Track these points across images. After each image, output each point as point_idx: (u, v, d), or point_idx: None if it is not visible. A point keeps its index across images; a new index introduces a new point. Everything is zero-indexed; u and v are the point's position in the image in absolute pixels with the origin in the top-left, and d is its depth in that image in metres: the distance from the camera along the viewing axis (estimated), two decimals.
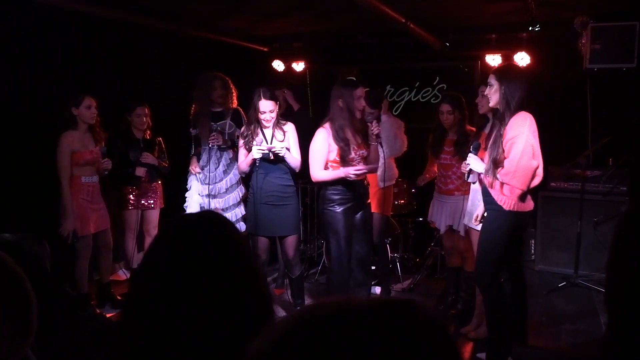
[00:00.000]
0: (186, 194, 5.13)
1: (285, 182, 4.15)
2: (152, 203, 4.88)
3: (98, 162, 4.37)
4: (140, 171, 4.70)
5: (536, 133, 3.20)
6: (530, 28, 5.30)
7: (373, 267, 4.81)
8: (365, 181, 4.10)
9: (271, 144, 4.10)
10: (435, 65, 6.51)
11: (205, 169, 4.93)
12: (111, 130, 4.67)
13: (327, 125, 3.88)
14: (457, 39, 5.89)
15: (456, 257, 4.51)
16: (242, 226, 5.07)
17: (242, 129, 4.28)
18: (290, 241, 4.19)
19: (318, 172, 3.86)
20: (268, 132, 4.11)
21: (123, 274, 5.35)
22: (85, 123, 4.27)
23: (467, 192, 4.06)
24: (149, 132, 4.83)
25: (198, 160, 5.00)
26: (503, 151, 3.17)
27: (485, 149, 3.51)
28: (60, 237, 4.15)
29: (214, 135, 4.81)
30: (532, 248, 5.74)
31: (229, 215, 4.99)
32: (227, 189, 4.96)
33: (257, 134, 4.11)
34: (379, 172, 4.46)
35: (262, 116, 4.02)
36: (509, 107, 3.17)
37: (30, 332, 1.16)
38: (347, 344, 0.61)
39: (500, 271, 3.41)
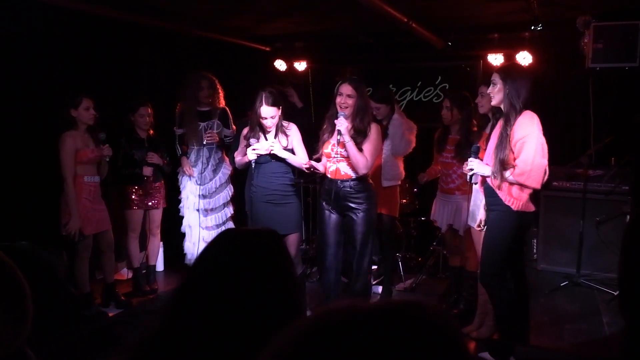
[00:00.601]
0: (180, 196, 5.12)
1: (286, 181, 4.14)
2: (156, 203, 4.90)
3: (103, 160, 4.39)
4: (147, 170, 4.73)
5: (541, 131, 3.19)
6: (532, 27, 5.28)
7: (374, 267, 4.82)
8: (352, 184, 3.81)
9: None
10: (437, 65, 6.50)
11: (195, 168, 4.95)
12: (114, 130, 4.68)
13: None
14: (459, 39, 5.89)
15: (458, 256, 4.51)
16: (230, 225, 5.09)
17: (244, 131, 4.26)
18: (292, 240, 4.18)
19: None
20: (270, 136, 4.09)
21: (125, 273, 5.37)
22: (84, 124, 4.29)
23: (467, 192, 4.05)
24: (152, 131, 4.84)
25: (187, 156, 5.02)
26: (511, 152, 3.14)
27: (485, 149, 3.50)
28: (63, 236, 4.17)
29: (210, 133, 4.82)
30: (535, 247, 5.74)
31: (219, 214, 5.01)
32: (216, 189, 4.99)
33: (259, 138, 4.08)
34: (383, 171, 4.48)
35: (263, 121, 3.98)
36: (514, 107, 3.15)
37: (26, 322, 1.17)
38: (360, 352, 0.61)
39: (505, 270, 3.39)
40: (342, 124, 3.65)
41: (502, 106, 3.24)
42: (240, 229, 1.34)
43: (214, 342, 1.11)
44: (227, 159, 5.07)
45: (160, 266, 5.52)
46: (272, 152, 3.96)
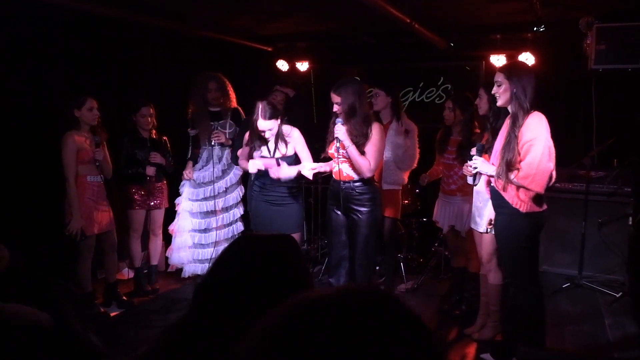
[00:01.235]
0: (176, 200, 5.12)
1: (288, 183, 4.13)
2: (159, 203, 4.90)
3: (105, 158, 4.40)
4: (150, 170, 4.73)
5: (549, 133, 3.12)
6: (535, 28, 5.28)
7: (377, 268, 4.81)
8: (355, 186, 3.80)
9: (273, 156, 4.07)
10: (439, 65, 6.49)
11: (205, 168, 4.94)
12: (117, 129, 4.68)
13: None
14: (461, 39, 5.88)
15: (461, 257, 4.51)
16: (239, 226, 5.08)
17: (246, 135, 4.23)
18: None
19: None
20: (271, 144, 4.07)
21: (127, 273, 5.37)
22: (87, 124, 4.29)
23: (469, 193, 4.03)
24: (154, 131, 4.84)
25: (194, 164, 5.01)
26: (518, 153, 3.07)
27: (486, 151, 3.48)
28: (66, 236, 4.17)
29: (216, 132, 4.82)
30: None
31: (229, 214, 5.00)
32: (227, 189, 4.97)
33: (260, 149, 4.07)
34: (383, 174, 4.48)
35: (261, 133, 3.97)
36: (522, 107, 3.08)
37: None
38: (319, 339, 0.64)
39: (532, 275, 3.30)
40: (339, 130, 3.63)
41: (509, 107, 3.17)
42: (256, 234, 1.35)
43: (227, 345, 1.12)
44: None
45: (161, 266, 5.52)
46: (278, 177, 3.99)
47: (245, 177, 4.92)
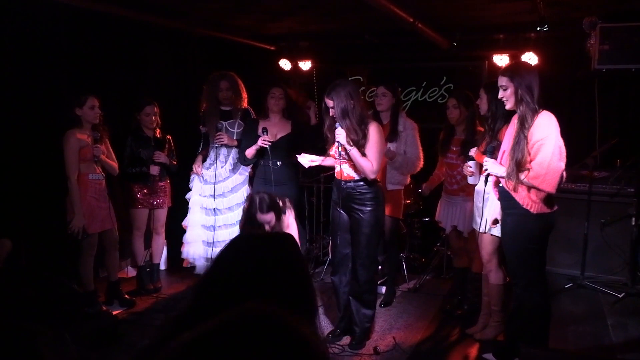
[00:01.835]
0: (187, 195, 5.12)
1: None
2: (162, 202, 4.90)
3: (110, 155, 4.41)
4: (154, 169, 4.74)
5: (559, 133, 3.10)
6: (538, 28, 5.26)
7: (379, 267, 4.81)
8: (356, 185, 3.77)
9: None
10: (442, 65, 6.49)
11: (212, 167, 4.94)
12: (121, 128, 4.68)
13: None
14: (464, 39, 5.88)
15: (463, 257, 4.50)
16: None
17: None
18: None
19: None
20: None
21: (129, 272, 5.38)
22: (89, 122, 4.29)
23: (471, 193, 4.01)
24: (158, 130, 4.84)
25: (204, 160, 5.02)
26: (528, 153, 3.04)
27: (484, 152, 3.47)
28: (68, 234, 4.17)
29: (219, 135, 4.82)
30: None
31: (232, 214, 4.99)
32: (232, 188, 4.97)
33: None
34: (388, 175, 4.48)
35: (261, 224, 3.94)
36: (529, 107, 3.06)
37: None
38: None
39: (539, 276, 3.28)
40: (340, 135, 3.62)
41: (517, 108, 3.13)
42: (256, 232, 1.35)
43: None
44: None
45: (163, 265, 5.53)
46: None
47: (252, 178, 4.95)
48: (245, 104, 5.00)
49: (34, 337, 1.14)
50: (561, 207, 2.96)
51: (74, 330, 3.36)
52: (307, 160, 3.94)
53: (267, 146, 4.46)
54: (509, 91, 3.13)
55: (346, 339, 3.98)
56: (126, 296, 4.67)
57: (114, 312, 4.37)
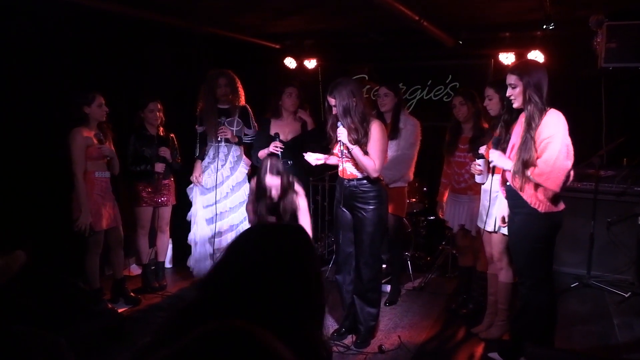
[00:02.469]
0: (190, 212, 5.08)
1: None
2: (166, 200, 4.91)
3: (113, 153, 4.42)
4: (159, 167, 4.74)
5: (567, 131, 3.07)
6: (544, 26, 5.24)
7: (383, 266, 4.80)
8: (359, 184, 3.77)
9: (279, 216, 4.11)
10: (447, 64, 6.46)
11: (212, 165, 4.94)
12: (124, 127, 4.69)
13: None
14: (470, 37, 5.86)
15: (469, 256, 4.49)
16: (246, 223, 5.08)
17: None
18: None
19: None
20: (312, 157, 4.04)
21: (134, 270, 5.39)
22: (96, 120, 4.31)
23: (478, 192, 3.99)
24: (162, 128, 4.85)
25: (202, 158, 5.00)
26: (536, 152, 3.02)
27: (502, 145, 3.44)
28: (74, 232, 4.19)
29: (222, 128, 4.81)
30: None
31: (236, 214, 4.99)
32: (233, 187, 4.97)
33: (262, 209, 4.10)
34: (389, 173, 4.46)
35: (268, 190, 4.00)
36: (537, 107, 3.04)
37: None
38: None
39: (546, 276, 3.26)
40: (342, 133, 3.62)
41: (525, 107, 3.10)
42: (268, 223, 1.35)
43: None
44: (245, 157, 5.06)
45: (168, 263, 5.54)
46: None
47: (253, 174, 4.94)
48: (242, 102, 4.99)
49: (27, 343, 1.14)
50: (567, 205, 2.95)
51: (80, 328, 3.37)
52: (313, 158, 3.94)
53: (278, 153, 4.46)
54: (518, 90, 3.11)
55: (351, 338, 3.98)
56: (131, 294, 4.69)
57: (120, 310, 4.39)
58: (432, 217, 5.69)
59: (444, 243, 5.58)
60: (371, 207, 3.76)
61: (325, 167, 4.34)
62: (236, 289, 1.16)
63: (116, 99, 4.78)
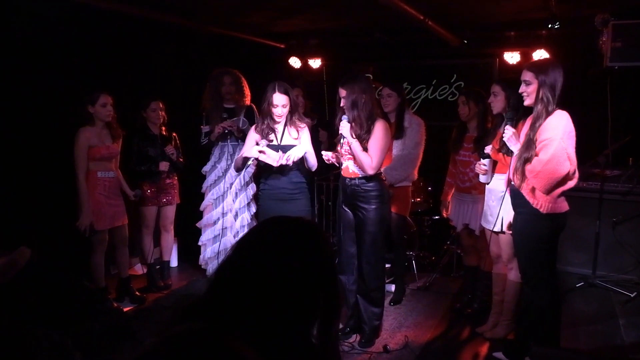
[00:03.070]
0: (202, 204, 5.07)
1: (295, 179, 4.09)
2: (170, 199, 4.92)
3: (115, 158, 4.43)
4: (163, 165, 4.75)
5: (572, 132, 3.04)
6: (549, 25, 5.22)
7: (387, 265, 4.80)
8: (360, 183, 3.75)
9: (281, 141, 4.04)
10: (452, 63, 6.45)
11: (219, 165, 4.95)
12: (127, 127, 4.70)
13: None
14: (475, 36, 5.85)
15: (473, 256, 4.48)
16: (253, 224, 5.07)
17: (253, 129, 4.20)
18: None
19: None
20: (280, 127, 4.05)
21: (139, 269, 5.40)
22: (101, 120, 4.32)
23: (483, 191, 3.98)
24: (164, 128, 4.85)
25: (210, 156, 5.01)
26: (536, 155, 3.03)
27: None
28: (77, 231, 4.20)
29: (229, 122, 4.80)
30: None
31: (244, 216, 4.98)
32: (241, 187, 4.96)
33: (269, 132, 4.03)
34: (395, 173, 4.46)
35: (274, 109, 3.94)
36: (546, 108, 3.02)
37: None
38: None
39: (549, 275, 3.25)
40: (344, 126, 3.62)
41: (535, 106, 3.09)
42: (283, 217, 1.34)
43: (249, 324, 1.11)
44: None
45: (174, 262, 5.55)
46: (280, 164, 3.92)
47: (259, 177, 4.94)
48: (248, 102, 4.99)
49: (33, 344, 1.14)
50: (572, 205, 2.95)
51: (85, 327, 3.39)
52: (330, 155, 3.91)
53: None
54: (532, 87, 3.10)
55: (355, 337, 3.98)
56: (137, 293, 4.70)
57: (125, 309, 4.40)
58: (436, 217, 5.68)
59: (448, 242, 5.57)
60: (373, 206, 3.74)
61: (330, 166, 4.34)
62: (249, 280, 1.16)
63: (121, 99, 4.79)
